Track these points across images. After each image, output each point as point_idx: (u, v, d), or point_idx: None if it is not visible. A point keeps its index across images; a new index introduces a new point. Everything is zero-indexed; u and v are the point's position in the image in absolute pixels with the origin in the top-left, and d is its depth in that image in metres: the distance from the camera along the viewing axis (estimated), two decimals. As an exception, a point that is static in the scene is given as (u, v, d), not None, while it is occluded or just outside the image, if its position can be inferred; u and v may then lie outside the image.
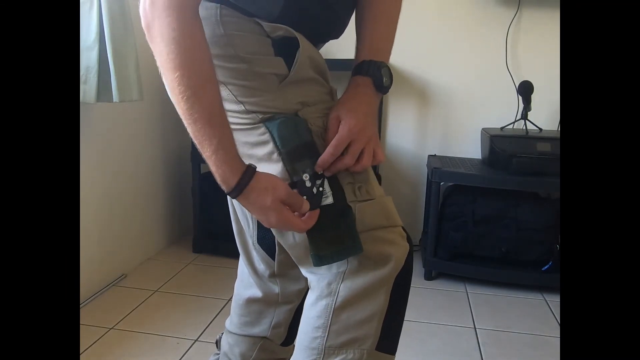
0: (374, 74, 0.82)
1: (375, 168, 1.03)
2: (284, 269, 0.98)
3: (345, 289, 0.78)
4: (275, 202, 0.72)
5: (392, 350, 0.83)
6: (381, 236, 0.78)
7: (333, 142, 0.76)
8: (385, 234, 0.79)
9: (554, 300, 1.91)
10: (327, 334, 0.78)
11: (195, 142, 0.72)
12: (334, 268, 0.79)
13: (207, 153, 0.71)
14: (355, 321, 0.78)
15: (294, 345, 0.89)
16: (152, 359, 1.43)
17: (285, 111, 0.77)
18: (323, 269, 0.80)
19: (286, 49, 0.78)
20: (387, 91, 0.85)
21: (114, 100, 1.54)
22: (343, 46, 1.84)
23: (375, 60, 0.83)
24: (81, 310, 1.68)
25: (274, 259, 0.97)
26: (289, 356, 0.85)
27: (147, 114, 2.09)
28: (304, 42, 0.78)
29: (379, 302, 0.78)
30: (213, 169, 0.72)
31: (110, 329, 1.58)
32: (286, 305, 1.02)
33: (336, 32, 0.88)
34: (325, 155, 0.76)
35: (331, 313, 0.78)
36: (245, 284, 1.05)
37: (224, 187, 0.73)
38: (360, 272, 0.78)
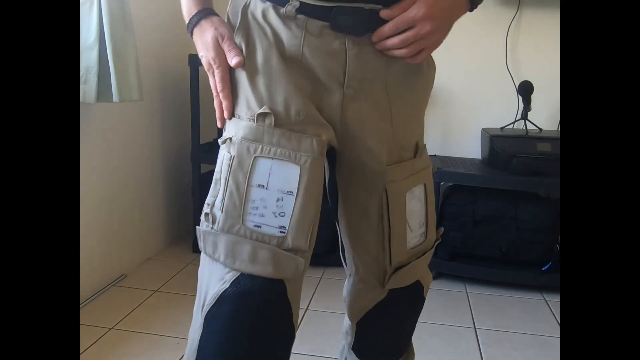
0: None
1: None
2: None
3: None
4: (214, 40, 0.73)
5: None
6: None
7: (397, 20, 0.70)
8: None
9: (554, 300, 1.91)
10: None
11: None
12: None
13: None
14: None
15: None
16: (152, 359, 1.43)
17: None
18: None
19: None
20: (477, 6, 0.77)
21: (114, 100, 1.54)
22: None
23: None
24: (81, 310, 1.68)
25: None
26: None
27: (147, 114, 2.09)
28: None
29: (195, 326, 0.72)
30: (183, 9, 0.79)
31: (110, 329, 1.58)
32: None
33: None
34: (385, 29, 0.70)
35: None
36: None
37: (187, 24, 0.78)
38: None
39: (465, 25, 2.23)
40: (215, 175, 0.73)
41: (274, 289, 0.69)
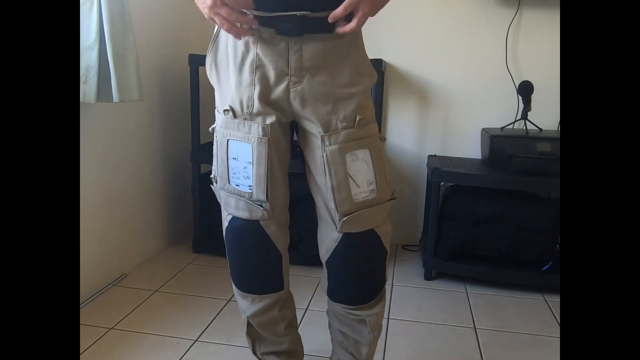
0: None
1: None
2: None
3: None
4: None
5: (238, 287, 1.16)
6: None
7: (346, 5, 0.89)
8: None
9: (554, 300, 1.91)
10: None
11: None
12: None
13: None
14: None
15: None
16: (152, 359, 1.43)
17: None
18: None
19: None
20: None
21: (114, 100, 1.54)
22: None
23: None
24: (81, 310, 1.68)
25: None
26: None
27: (147, 114, 2.09)
28: None
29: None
30: None
31: (110, 329, 1.58)
32: None
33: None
34: (337, 12, 0.90)
35: None
36: None
37: None
38: None
39: (465, 25, 2.24)
40: (213, 152, 1.08)
41: (251, 225, 1.07)
